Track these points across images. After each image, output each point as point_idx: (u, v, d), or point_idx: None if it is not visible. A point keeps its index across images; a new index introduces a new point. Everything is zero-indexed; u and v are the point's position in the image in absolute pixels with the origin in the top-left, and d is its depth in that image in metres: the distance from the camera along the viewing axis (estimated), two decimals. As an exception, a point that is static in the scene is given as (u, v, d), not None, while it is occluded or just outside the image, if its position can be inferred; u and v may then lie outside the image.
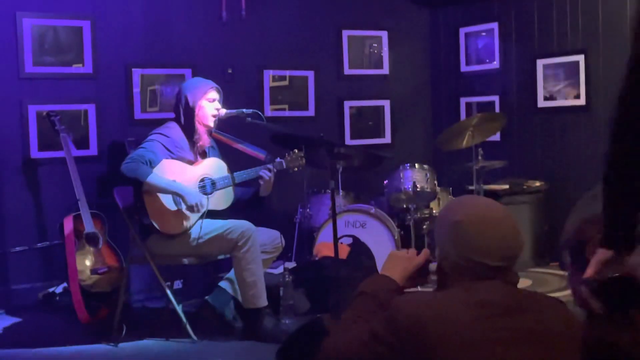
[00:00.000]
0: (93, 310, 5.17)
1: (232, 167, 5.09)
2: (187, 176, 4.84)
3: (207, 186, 4.89)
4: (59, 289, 5.75)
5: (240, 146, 5.23)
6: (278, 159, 5.05)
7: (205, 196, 4.83)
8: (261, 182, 4.99)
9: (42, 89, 6.04)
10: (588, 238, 2.10)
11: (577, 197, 6.53)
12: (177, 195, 4.75)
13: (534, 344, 1.98)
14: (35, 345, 4.81)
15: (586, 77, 6.66)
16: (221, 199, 4.99)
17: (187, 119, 4.98)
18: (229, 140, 5.24)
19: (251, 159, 5.20)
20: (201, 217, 4.83)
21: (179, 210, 4.79)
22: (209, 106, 5.01)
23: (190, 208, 4.73)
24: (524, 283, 6.09)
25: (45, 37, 6.05)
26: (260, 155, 5.14)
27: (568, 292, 5.55)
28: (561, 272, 6.36)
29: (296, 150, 5.06)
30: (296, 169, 5.08)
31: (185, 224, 4.83)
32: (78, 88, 6.18)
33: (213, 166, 5.03)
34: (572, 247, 2.16)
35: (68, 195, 5.56)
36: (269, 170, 4.97)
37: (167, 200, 4.79)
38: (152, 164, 4.71)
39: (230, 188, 5.02)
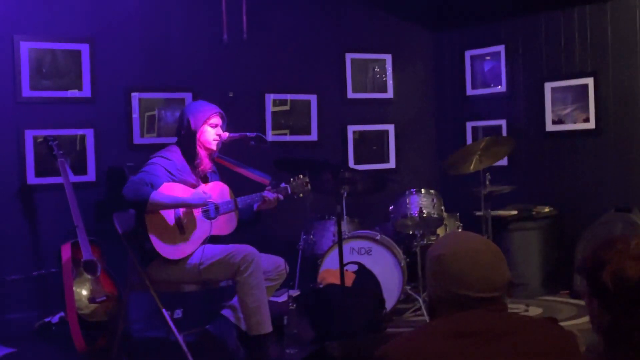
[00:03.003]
0: (91, 340, 5.05)
1: (235, 192, 4.97)
2: (190, 199, 4.73)
3: (211, 211, 4.77)
4: (55, 319, 5.63)
5: (244, 171, 5.12)
6: (283, 184, 4.94)
7: (209, 221, 4.69)
8: (267, 207, 4.87)
9: (39, 113, 5.96)
10: (604, 262, 1.99)
11: (587, 223, 6.48)
12: (184, 207, 4.62)
13: None
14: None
15: (595, 100, 6.57)
16: (224, 224, 4.88)
17: (188, 142, 4.87)
18: (232, 164, 5.12)
19: (254, 184, 5.08)
20: (203, 242, 4.70)
21: (182, 235, 4.66)
22: (211, 131, 4.91)
23: (206, 213, 4.66)
24: (534, 311, 5.97)
25: (43, 60, 5.97)
26: (265, 180, 5.05)
27: (580, 320, 5.47)
28: (572, 300, 6.23)
29: (301, 176, 4.96)
30: (301, 194, 4.98)
31: (188, 249, 4.70)
32: (76, 112, 6.09)
33: (216, 190, 4.91)
34: (587, 272, 2.06)
35: (65, 222, 5.43)
36: (272, 192, 4.86)
37: (170, 222, 4.67)
38: (153, 187, 4.60)
39: (233, 213, 4.89)
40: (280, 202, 4.96)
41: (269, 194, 4.85)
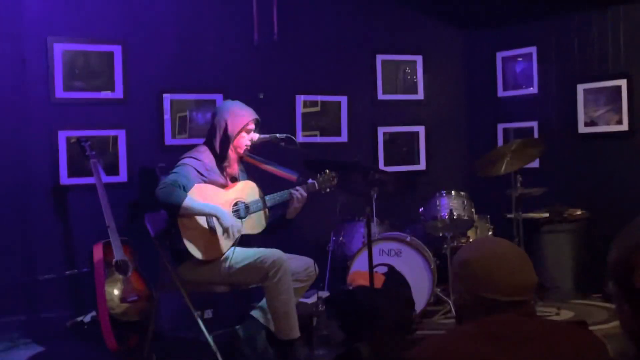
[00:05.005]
0: (122, 339, 5.07)
1: (263, 190, 4.97)
2: (220, 200, 4.73)
3: (241, 210, 4.77)
4: (87, 318, 5.65)
5: (272, 168, 5.10)
6: (310, 180, 4.94)
7: (240, 221, 4.70)
8: (296, 204, 4.86)
9: (72, 114, 6.00)
10: (635, 265, 1.94)
11: (620, 226, 6.36)
12: (214, 217, 4.63)
13: None
14: (63, 375, 4.71)
15: (629, 102, 6.49)
16: (255, 224, 4.88)
17: (222, 145, 4.84)
18: (259, 162, 5.11)
19: (282, 182, 5.07)
20: (235, 242, 4.70)
21: (214, 236, 4.67)
22: (246, 136, 4.90)
23: (226, 230, 4.62)
24: (565, 315, 5.90)
25: (76, 62, 6.01)
26: (293, 176, 5.03)
27: (613, 324, 5.39)
28: (605, 304, 6.15)
29: (328, 171, 4.95)
30: (328, 189, 4.99)
31: (220, 250, 4.69)
32: (108, 113, 6.13)
33: (246, 190, 4.91)
34: (618, 276, 2.01)
35: (97, 222, 5.45)
36: (301, 191, 4.85)
37: (202, 224, 4.67)
38: (185, 189, 4.59)
39: (262, 212, 4.89)
40: (311, 203, 4.95)
41: (299, 192, 4.85)
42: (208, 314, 5.65)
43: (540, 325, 2.08)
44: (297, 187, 4.89)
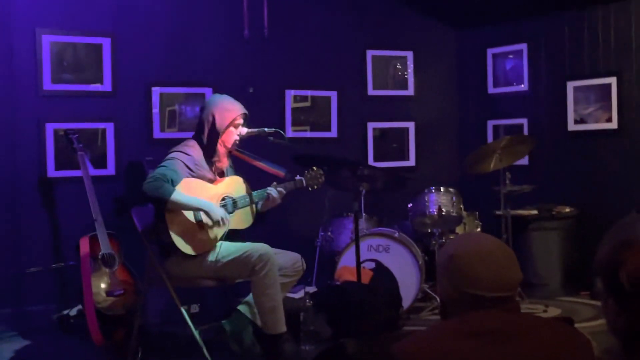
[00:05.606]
0: (108, 333, 5.05)
1: (251, 185, 4.96)
2: (208, 195, 4.72)
3: (229, 205, 4.76)
4: (73, 311, 5.63)
5: (260, 164, 5.10)
6: (298, 177, 4.95)
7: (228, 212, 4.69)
8: (270, 204, 4.89)
9: (60, 107, 5.97)
10: (621, 261, 1.93)
11: (609, 223, 6.34)
12: (201, 211, 4.61)
13: None
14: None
15: (618, 100, 6.48)
16: (241, 219, 4.87)
17: (210, 140, 4.83)
18: (248, 157, 5.10)
19: (270, 177, 5.06)
20: (222, 237, 4.69)
21: (201, 230, 4.65)
22: (234, 131, 4.88)
23: (217, 223, 4.61)
24: (553, 312, 5.91)
25: (64, 54, 5.98)
26: (280, 172, 5.03)
27: (600, 321, 5.40)
28: (592, 302, 6.16)
29: (315, 168, 4.95)
30: (315, 186, 4.98)
31: (207, 244, 4.68)
32: (97, 106, 6.10)
33: (233, 185, 4.91)
34: (605, 273, 2.01)
35: (84, 215, 5.42)
36: (279, 191, 4.87)
37: (190, 218, 4.65)
38: (173, 183, 4.57)
39: (249, 207, 4.89)
40: (299, 198, 4.94)
41: (273, 192, 4.85)
42: (194, 308, 5.63)
43: (524, 322, 2.09)
44: (277, 189, 4.88)
